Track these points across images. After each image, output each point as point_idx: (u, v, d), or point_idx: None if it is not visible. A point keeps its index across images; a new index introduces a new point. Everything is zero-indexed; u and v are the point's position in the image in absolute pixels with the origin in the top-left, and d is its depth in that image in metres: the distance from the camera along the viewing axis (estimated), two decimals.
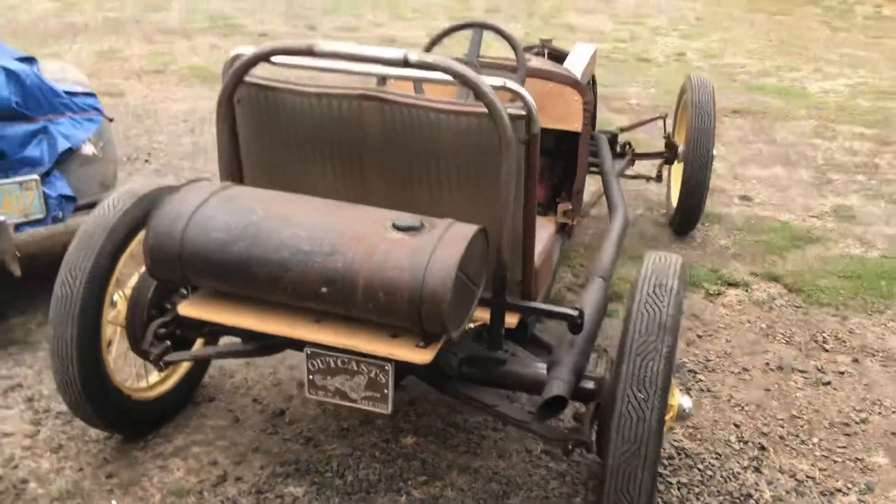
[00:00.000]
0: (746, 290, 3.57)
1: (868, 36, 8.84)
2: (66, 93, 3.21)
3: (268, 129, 2.14)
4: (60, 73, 3.39)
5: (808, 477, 2.48)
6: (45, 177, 3.06)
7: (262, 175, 2.22)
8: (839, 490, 2.44)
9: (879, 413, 2.79)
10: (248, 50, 2.18)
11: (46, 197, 3.02)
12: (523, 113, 1.92)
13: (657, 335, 1.85)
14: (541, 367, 2.13)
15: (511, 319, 2.14)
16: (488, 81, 1.89)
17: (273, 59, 2.03)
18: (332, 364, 1.89)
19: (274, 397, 2.80)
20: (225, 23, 8.58)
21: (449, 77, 1.90)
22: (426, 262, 1.71)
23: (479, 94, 1.86)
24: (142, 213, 2.36)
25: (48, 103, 3.12)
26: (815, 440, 2.65)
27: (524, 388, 2.16)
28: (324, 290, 1.76)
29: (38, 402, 2.73)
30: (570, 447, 2.04)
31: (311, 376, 1.93)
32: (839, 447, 2.62)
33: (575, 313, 2.05)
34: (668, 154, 4.09)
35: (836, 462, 2.55)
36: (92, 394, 2.29)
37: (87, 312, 2.23)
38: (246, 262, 1.80)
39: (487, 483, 2.42)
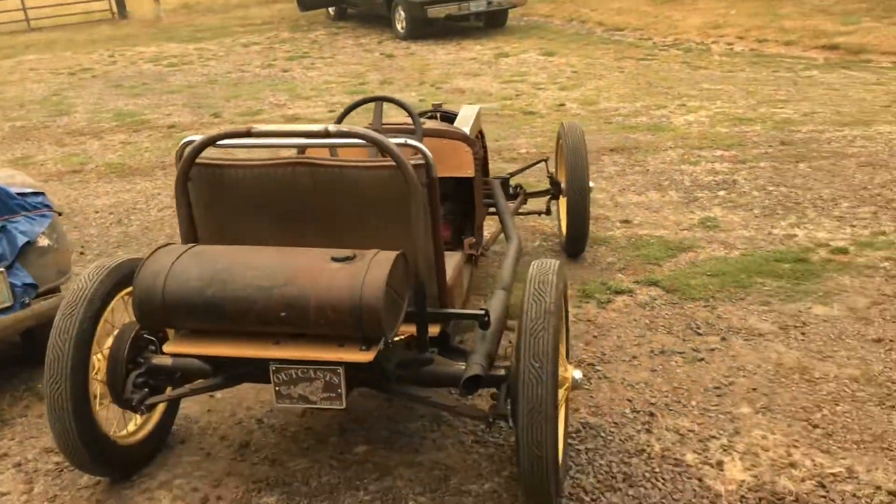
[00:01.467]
0: (631, 296, 4.18)
1: (723, 71, 9.89)
2: (19, 194, 3.61)
3: (218, 199, 2.63)
4: (10, 178, 3.79)
5: (689, 430, 3.05)
6: (9, 269, 3.44)
7: (214, 237, 2.70)
8: (713, 437, 3.01)
9: (744, 376, 3.40)
10: (196, 137, 2.69)
11: (12, 286, 3.40)
12: (422, 162, 2.47)
13: (544, 318, 2.39)
14: (461, 366, 2.64)
15: (433, 329, 2.65)
16: (393, 141, 2.44)
17: (218, 142, 2.53)
18: (294, 375, 2.36)
19: (237, 433, 3.21)
20: (132, 119, 8.97)
21: (361, 141, 2.45)
22: (362, 282, 2.22)
23: (387, 152, 2.41)
24: (113, 283, 2.80)
25: (5, 205, 3.52)
26: (694, 403, 3.23)
27: (448, 383, 2.66)
28: (283, 314, 2.24)
29: (25, 465, 3.08)
30: (490, 420, 2.55)
31: (277, 388, 2.39)
32: (713, 406, 3.20)
33: (482, 313, 2.58)
34: (554, 190, 4.74)
35: (710, 417, 3.13)
36: (86, 441, 2.68)
37: (77, 371, 2.63)
38: (220, 301, 2.27)
39: (430, 472, 2.89)
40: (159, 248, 2.50)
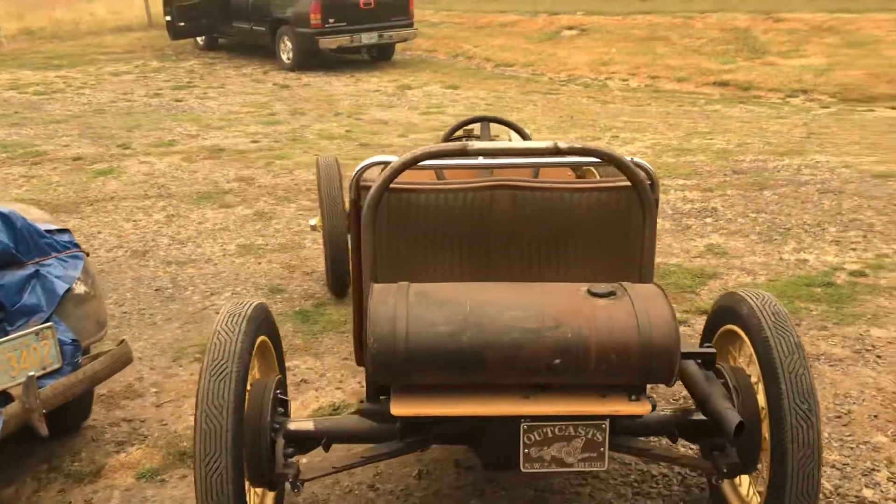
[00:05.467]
0: (689, 326, 4.06)
1: (632, 105, 10.20)
2: (47, 231, 2.98)
3: (402, 228, 2.24)
4: (24, 212, 3.13)
5: (843, 464, 2.93)
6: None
7: (389, 274, 2.30)
8: (872, 469, 2.90)
9: (855, 403, 3.34)
10: (382, 158, 2.30)
11: (60, 344, 2.77)
12: (648, 182, 2.22)
13: (797, 353, 2.18)
14: (686, 412, 2.36)
15: None
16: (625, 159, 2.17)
17: (421, 162, 2.16)
18: (550, 433, 2.01)
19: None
20: (24, 151, 7.98)
21: (593, 158, 2.16)
22: (648, 321, 1.92)
23: (626, 170, 2.13)
24: (253, 334, 2.32)
25: (35, 245, 2.90)
26: (825, 434, 3.12)
27: (667, 431, 2.37)
28: (556, 361, 1.90)
29: None
30: (724, 471, 2.29)
31: (526, 450, 2.02)
32: (847, 436, 3.11)
33: (713, 350, 2.33)
34: None
35: (852, 448, 3.03)
36: None
37: (238, 443, 2.14)
38: (478, 348, 1.89)
39: None
40: (376, 285, 2.08)
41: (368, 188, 2.24)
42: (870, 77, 10.81)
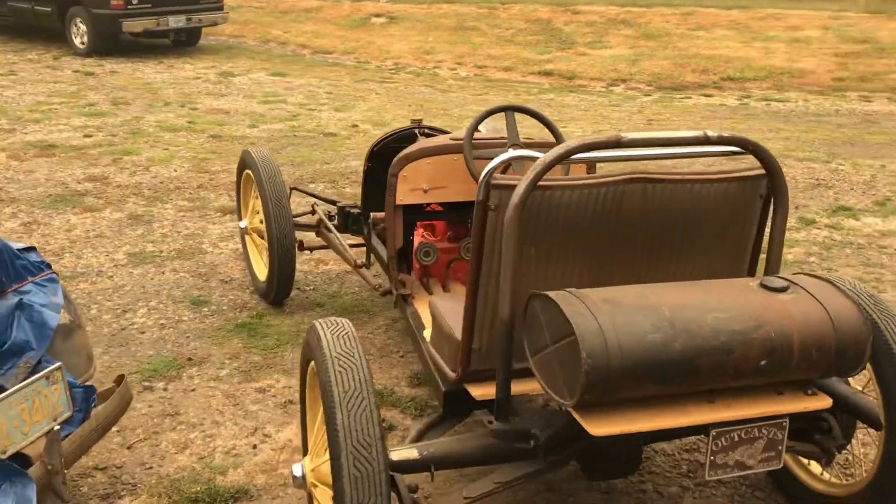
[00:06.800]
0: None
1: (472, 94, 10.28)
2: (18, 250, 2.43)
3: (532, 230, 2.04)
4: None
5: None
6: (39, 364, 2.28)
7: (514, 279, 2.09)
8: None
9: None
10: (519, 153, 2.07)
11: (71, 388, 2.26)
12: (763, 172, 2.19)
13: None
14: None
15: None
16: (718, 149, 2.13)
17: (574, 155, 1.96)
18: (736, 437, 1.91)
19: None
20: None
21: (736, 147, 2.08)
22: (837, 313, 1.88)
23: (764, 159, 2.08)
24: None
25: (13, 268, 2.34)
26: None
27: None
28: (763, 362, 1.81)
29: None
30: (833, 452, 2.32)
31: (713, 457, 1.91)
32: None
33: None
34: None
35: None
36: None
37: (388, 487, 1.84)
38: (691, 355, 1.76)
39: None
40: (557, 294, 1.87)
41: (500, 186, 2.01)
42: (676, 67, 11.71)
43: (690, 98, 10.31)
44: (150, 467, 2.86)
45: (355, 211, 4.09)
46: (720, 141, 2.02)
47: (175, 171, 6.40)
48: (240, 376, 3.47)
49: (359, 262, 3.77)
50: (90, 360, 2.53)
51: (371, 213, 3.69)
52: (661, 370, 1.75)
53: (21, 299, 2.31)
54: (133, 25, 11.73)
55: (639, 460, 2.26)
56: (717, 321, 1.80)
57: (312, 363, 2.19)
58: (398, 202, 3.12)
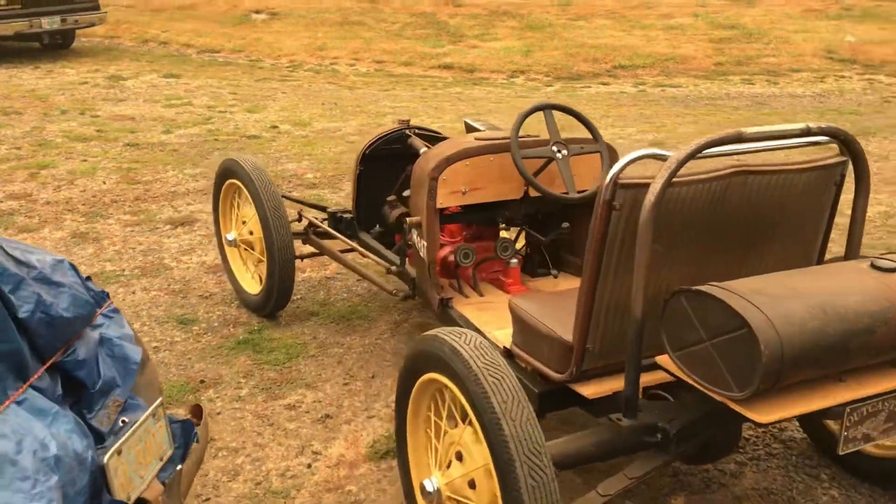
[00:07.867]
0: None
1: (380, 90, 10.20)
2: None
3: (661, 225, 2.09)
4: (27, 252, 2.29)
5: None
6: (126, 404, 2.13)
7: (615, 279, 2.15)
8: None
9: None
10: (644, 153, 2.10)
11: (170, 423, 2.12)
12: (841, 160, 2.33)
13: None
14: None
15: None
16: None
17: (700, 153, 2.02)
18: (865, 412, 2.03)
19: None
20: None
21: (831, 137, 2.20)
22: None
23: (852, 146, 2.22)
24: None
25: (87, 303, 2.16)
26: None
27: None
28: None
29: None
30: None
31: (846, 433, 2.02)
32: None
33: None
34: None
35: None
36: None
37: (557, 490, 1.84)
38: (843, 338, 1.85)
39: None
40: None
41: (626, 186, 2.04)
42: (568, 57, 12.05)
43: (590, 87, 10.65)
44: (208, 499, 2.72)
45: (348, 216, 4.00)
46: (819, 132, 2.13)
47: (104, 183, 6.03)
48: (263, 395, 3.34)
49: (392, 267, 3.50)
50: (160, 392, 2.37)
51: (406, 217, 3.41)
52: (820, 355, 1.84)
53: (101, 334, 2.13)
54: (3, 28, 10.91)
55: (738, 440, 2.36)
56: (858, 304, 1.91)
57: (427, 376, 2.15)
58: (439, 205, 3.08)
